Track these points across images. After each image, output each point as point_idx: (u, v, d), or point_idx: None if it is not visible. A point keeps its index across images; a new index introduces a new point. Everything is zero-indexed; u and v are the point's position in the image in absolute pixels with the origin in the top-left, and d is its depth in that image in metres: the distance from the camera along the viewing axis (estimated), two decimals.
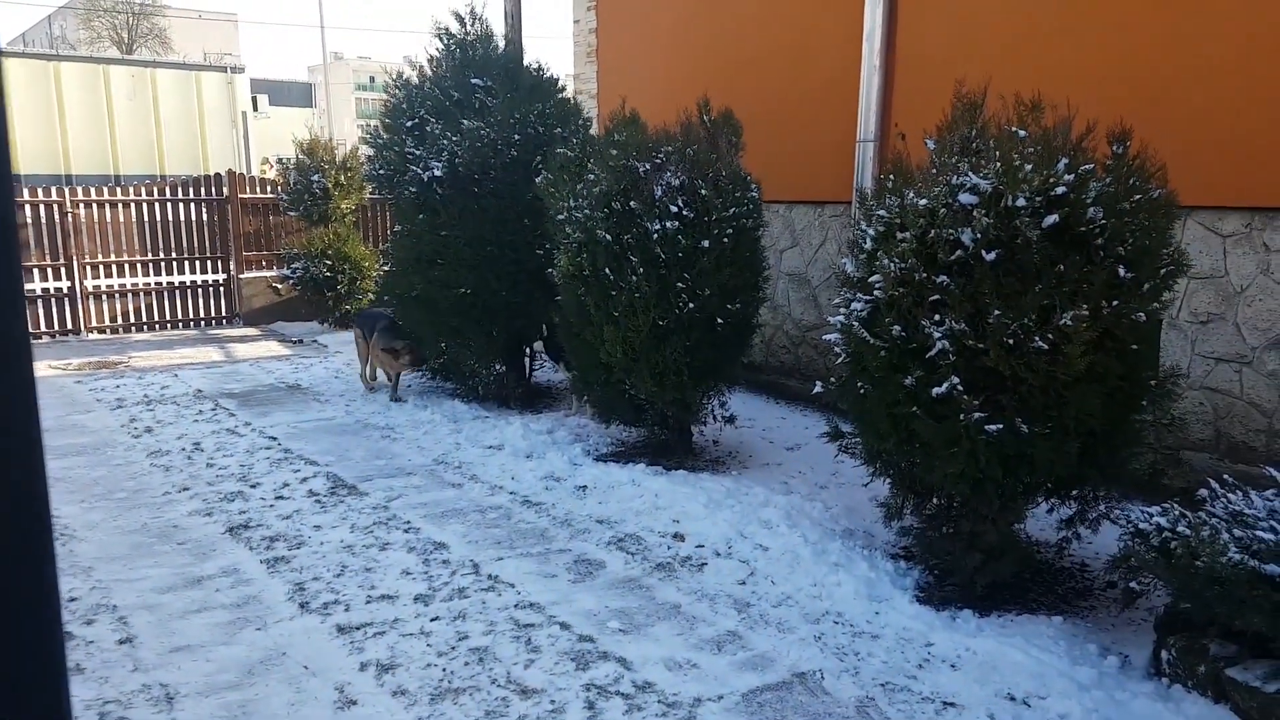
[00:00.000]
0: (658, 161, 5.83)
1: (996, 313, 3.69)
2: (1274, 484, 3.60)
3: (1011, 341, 3.70)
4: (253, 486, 6.05)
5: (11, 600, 0.70)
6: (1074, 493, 4.28)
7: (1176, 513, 3.59)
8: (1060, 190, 3.65)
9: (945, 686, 3.65)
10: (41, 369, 9.70)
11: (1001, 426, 3.77)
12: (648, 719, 3.41)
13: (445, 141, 7.27)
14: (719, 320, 5.85)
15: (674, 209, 5.65)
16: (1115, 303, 3.69)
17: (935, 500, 4.40)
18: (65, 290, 11.77)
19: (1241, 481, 3.74)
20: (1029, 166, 3.71)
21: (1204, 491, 3.73)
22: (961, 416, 3.82)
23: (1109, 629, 4.08)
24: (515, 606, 4.34)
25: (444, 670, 3.77)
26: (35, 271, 11.59)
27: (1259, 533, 3.23)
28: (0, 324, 0.66)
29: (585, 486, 5.99)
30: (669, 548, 5.02)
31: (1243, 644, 3.37)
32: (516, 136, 7.29)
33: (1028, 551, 4.33)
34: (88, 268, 11.87)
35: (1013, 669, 3.73)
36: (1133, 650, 3.84)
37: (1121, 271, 3.68)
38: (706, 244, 5.67)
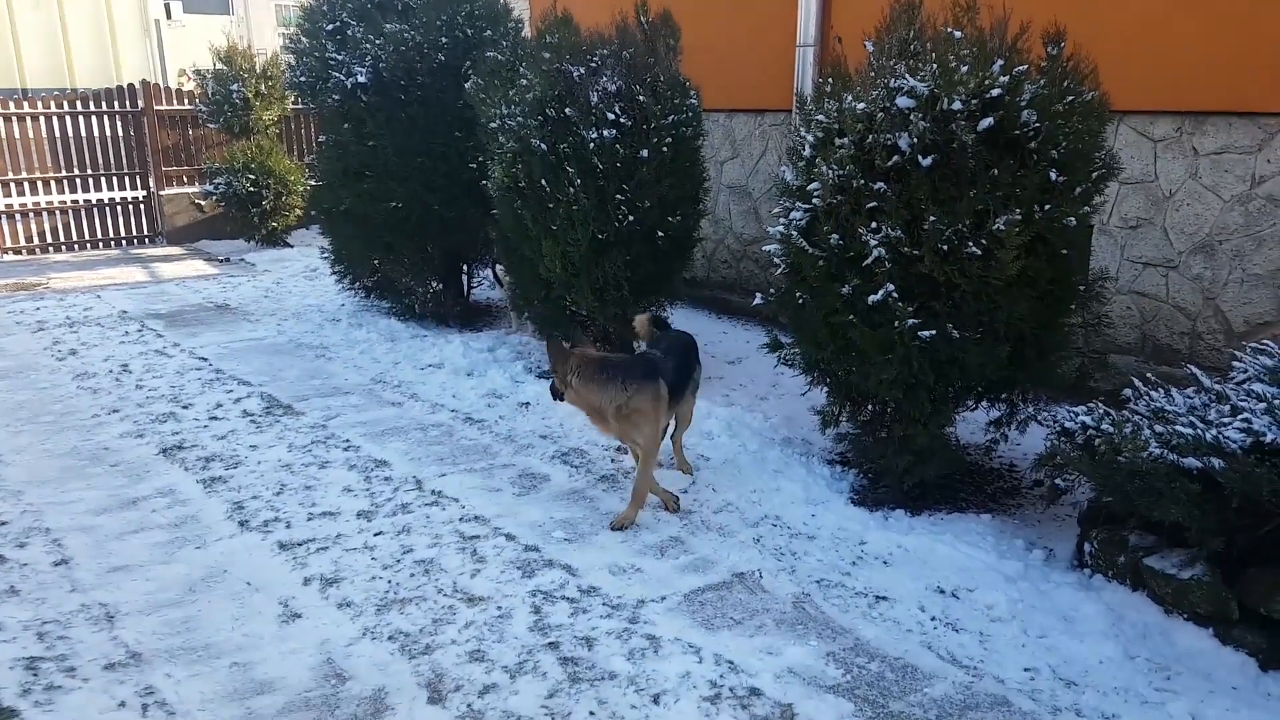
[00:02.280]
0: (593, 65, 5.65)
1: (932, 219, 3.71)
2: (1196, 383, 3.74)
3: (946, 248, 3.73)
4: (185, 408, 5.90)
5: None
6: (1003, 396, 4.40)
7: (1101, 412, 3.72)
8: (995, 93, 3.64)
9: (878, 582, 3.79)
10: None
11: (935, 332, 3.83)
12: (593, 620, 3.49)
13: (368, 45, 6.95)
14: (659, 233, 5.78)
15: (611, 116, 5.50)
16: (1047, 207, 3.73)
17: (870, 407, 4.49)
18: None
19: (1165, 383, 3.88)
20: (965, 68, 3.69)
21: (1128, 391, 3.86)
22: (896, 323, 3.87)
23: (1035, 525, 4.26)
24: (460, 520, 4.35)
25: (389, 582, 3.78)
26: None
27: (1179, 428, 3.36)
28: None
29: (528, 403, 5.98)
30: (612, 460, 5.06)
31: (1161, 535, 3.54)
32: (444, 40, 7.00)
33: (956, 454, 4.46)
34: None
35: (943, 564, 3.88)
36: (1057, 544, 4.02)
37: (1054, 175, 3.72)
38: (645, 154, 5.56)
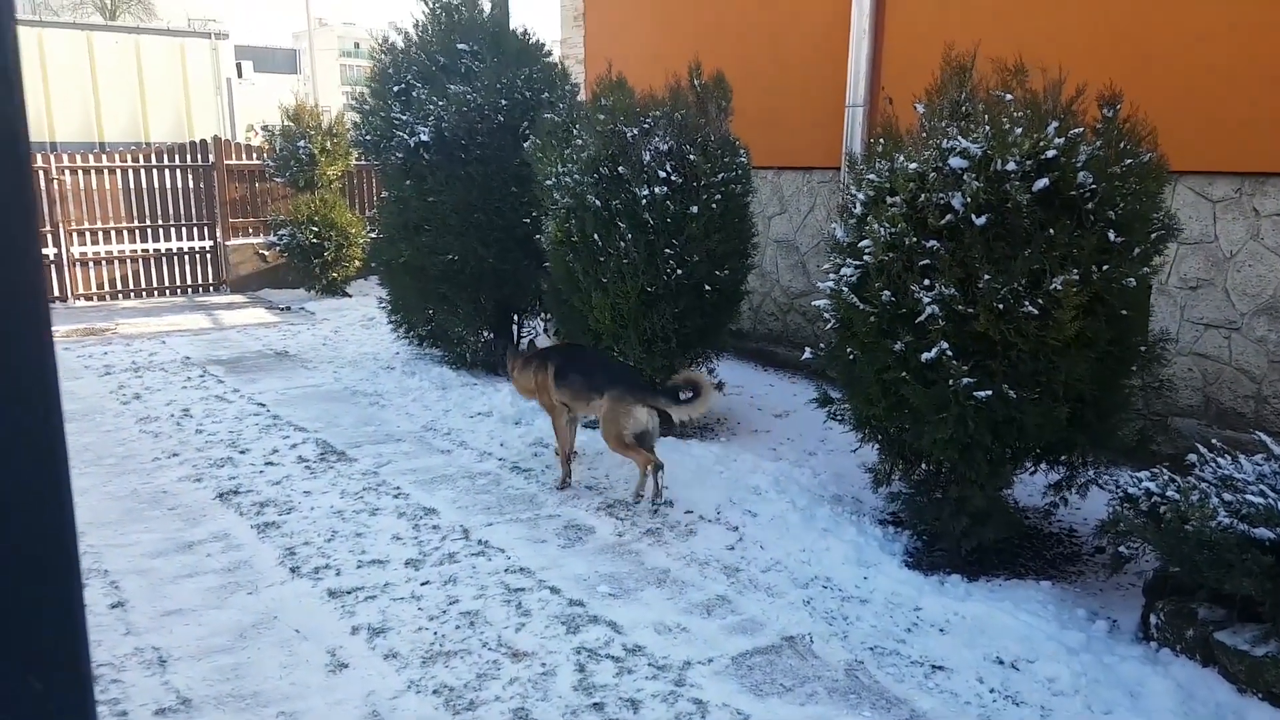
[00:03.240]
0: (646, 126, 5.77)
1: (986, 277, 3.68)
2: (1263, 449, 3.62)
3: (1001, 306, 3.69)
4: (242, 452, 6.03)
5: (34, 559, 0.70)
6: (1062, 458, 4.30)
7: (1165, 477, 3.61)
8: (1050, 154, 3.63)
9: (934, 650, 3.68)
10: None
11: (991, 392, 3.77)
12: (638, 681, 3.44)
13: (432, 106, 7.19)
14: (707, 287, 5.83)
15: (662, 174, 5.60)
16: (1105, 267, 3.68)
17: (924, 466, 4.41)
18: (51, 257, 11.65)
19: (1230, 447, 3.76)
20: (1019, 130, 3.69)
21: (1193, 456, 3.75)
22: (951, 382, 3.82)
23: (1097, 593, 4.12)
24: (505, 571, 4.35)
25: (435, 634, 3.78)
26: None
27: (1248, 496, 3.25)
28: (22, 292, 0.67)
29: (574, 452, 5.98)
30: (658, 513, 5.03)
31: (1231, 608, 3.39)
32: (503, 102, 7.21)
33: (1014, 517, 4.35)
34: (74, 234, 11.74)
35: (1001, 633, 3.75)
36: (1121, 614, 3.87)
37: (1112, 236, 3.67)
38: (695, 210, 5.64)
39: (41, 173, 11.42)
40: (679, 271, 5.69)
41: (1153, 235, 3.85)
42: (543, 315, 8.06)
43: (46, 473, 0.71)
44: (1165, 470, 3.69)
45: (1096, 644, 3.66)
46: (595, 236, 5.74)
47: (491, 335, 8.04)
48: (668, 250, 5.64)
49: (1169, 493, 3.50)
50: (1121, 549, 3.82)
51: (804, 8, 7.65)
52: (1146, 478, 3.67)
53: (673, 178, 5.62)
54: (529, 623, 3.87)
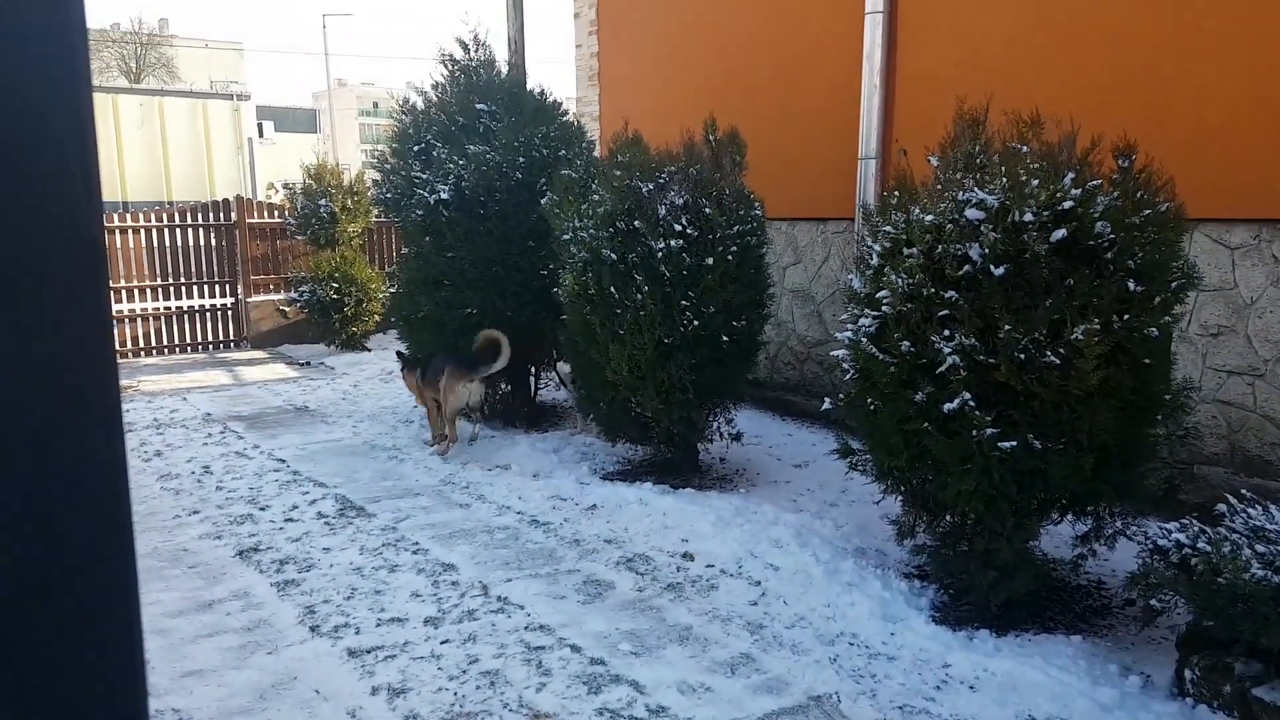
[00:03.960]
0: (661, 181, 5.85)
1: (1007, 328, 3.68)
2: None
3: (1023, 356, 3.68)
4: (262, 509, 6.03)
5: (95, 602, 0.72)
6: (1089, 509, 4.24)
7: (1195, 529, 3.55)
8: (1067, 205, 3.65)
9: (964, 708, 3.60)
10: None
11: (1015, 443, 3.74)
12: None
13: (452, 165, 7.32)
14: (724, 337, 5.84)
15: (678, 228, 5.66)
16: (1126, 316, 3.67)
17: (948, 518, 4.36)
18: None
19: (1258, 495, 3.70)
20: (1035, 181, 3.71)
21: (1223, 507, 3.70)
22: (974, 432, 3.79)
23: (1129, 648, 4.03)
24: (525, 628, 4.30)
25: (455, 694, 3.74)
26: None
27: None
28: (92, 344, 0.71)
29: (593, 506, 5.96)
30: (678, 568, 4.99)
31: (1269, 662, 3.32)
32: (521, 159, 7.34)
33: (1042, 569, 4.28)
34: None
35: (1032, 690, 3.68)
36: (1154, 670, 3.79)
37: (1132, 285, 3.67)
38: (711, 261, 5.68)
39: None
40: (695, 323, 5.71)
41: (1173, 284, 3.84)
42: (556, 365, 8.10)
43: (112, 500, 0.73)
44: (1194, 521, 3.64)
45: (1130, 700, 3.57)
46: (612, 289, 5.78)
47: (509, 387, 8.06)
48: (684, 302, 5.68)
49: (1199, 544, 3.44)
50: (1153, 602, 3.74)
51: (815, 63, 7.78)
52: (1176, 529, 3.62)
53: (688, 231, 5.68)
54: (550, 682, 3.82)
